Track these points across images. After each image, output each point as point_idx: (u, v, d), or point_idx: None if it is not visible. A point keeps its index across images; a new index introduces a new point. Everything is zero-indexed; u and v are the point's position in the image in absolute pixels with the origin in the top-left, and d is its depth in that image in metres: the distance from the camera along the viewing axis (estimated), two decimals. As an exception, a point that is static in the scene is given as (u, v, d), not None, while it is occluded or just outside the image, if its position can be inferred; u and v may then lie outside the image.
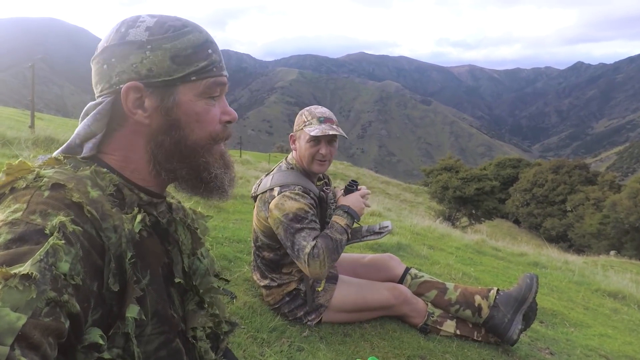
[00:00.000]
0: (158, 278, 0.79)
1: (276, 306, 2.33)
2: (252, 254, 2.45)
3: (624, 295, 5.20)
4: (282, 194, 2.17)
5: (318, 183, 2.43)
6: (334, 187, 2.49)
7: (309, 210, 2.14)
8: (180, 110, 0.81)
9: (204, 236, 0.98)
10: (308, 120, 2.25)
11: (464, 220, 27.66)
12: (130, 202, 0.80)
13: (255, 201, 2.39)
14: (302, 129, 2.26)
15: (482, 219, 28.60)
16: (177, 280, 0.84)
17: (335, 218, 2.17)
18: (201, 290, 0.90)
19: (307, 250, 2.02)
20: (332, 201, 2.34)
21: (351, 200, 2.23)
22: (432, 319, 2.43)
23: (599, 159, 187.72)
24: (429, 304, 2.49)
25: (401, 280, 2.59)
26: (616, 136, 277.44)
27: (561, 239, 34.32)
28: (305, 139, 2.23)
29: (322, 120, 2.24)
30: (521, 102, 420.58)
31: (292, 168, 2.32)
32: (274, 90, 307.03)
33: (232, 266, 2.82)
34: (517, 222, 41.00)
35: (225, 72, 0.87)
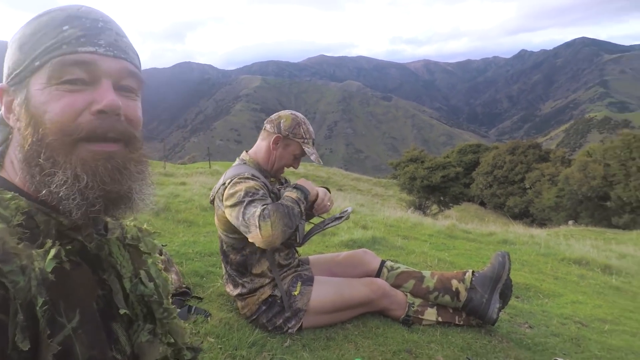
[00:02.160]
0: (92, 316, 0.63)
1: (253, 317, 2.20)
2: (222, 263, 2.33)
3: (587, 261, 5.30)
4: (232, 181, 2.09)
5: (272, 180, 2.34)
6: None
7: (260, 189, 2.06)
8: (31, 104, 0.64)
9: (153, 253, 0.83)
10: (306, 139, 2.23)
11: (434, 208, 28.01)
12: (47, 231, 0.63)
13: (212, 202, 2.29)
14: (297, 141, 2.22)
15: (451, 204, 29.03)
16: (121, 311, 0.69)
17: (285, 193, 2.11)
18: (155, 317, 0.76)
19: (257, 213, 1.90)
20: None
21: (299, 181, 2.21)
22: (412, 309, 2.35)
23: (549, 138, 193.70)
24: (408, 294, 2.41)
25: (378, 274, 2.50)
26: (562, 115, 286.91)
27: (524, 215, 35.23)
28: (294, 152, 2.24)
29: (314, 142, 2.29)
30: (475, 91, 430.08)
31: (245, 164, 2.26)
32: (239, 99, 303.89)
33: (204, 282, 2.67)
34: (482, 203, 41.85)
35: (88, 48, 0.65)
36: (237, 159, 2.33)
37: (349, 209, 2.38)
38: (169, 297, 0.83)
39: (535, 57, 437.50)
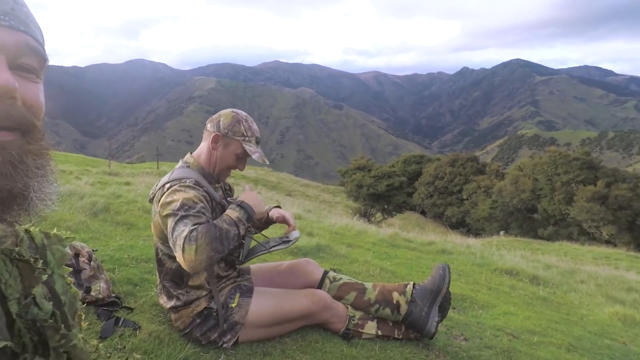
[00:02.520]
0: None
1: (186, 331, 2.02)
2: (156, 272, 2.14)
3: (517, 272, 5.49)
4: (171, 188, 1.91)
5: (216, 186, 2.19)
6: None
7: (199, 202, 1.88)
8: None
9: (60, 264, 0.67)
10: (247, 137, 2.05)
11: (378, 216, 28.50)
12: None
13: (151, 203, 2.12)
14: (237, 139, 2.03)
15: (394, 212, 29.65)
16: (1, 344, 0.54)
17: (227, 211, 1.93)
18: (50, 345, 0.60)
19: (185, 233, 1.73)
20: None
21: (246, 195, 2.01)
22: (353, 322, 2.27)
23: (485, 152, 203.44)
24: (349, 307, 2.33)
25: (320, 285, 2.40)
26: (497, 131, 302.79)
27: (460, 225, 36.71)
28: (235, 152, 2.05)
29: (258, 141, 2.10)
30: (420, 104, 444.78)
31: (188, 167, 2.08)
32: (192, 100, 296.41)
33: (137, 291, 2.46)
34: (423, 212, 43.19)
35: None
36: (181, 161, 2.14)
37: (297, 234, 2.26)
38: (79, 316, 0.68)
39: (476, 75, 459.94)
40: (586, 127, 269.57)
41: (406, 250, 6.21)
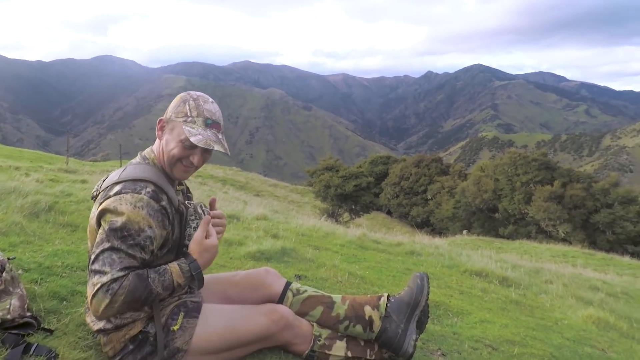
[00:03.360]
0: None
1: (117, 359, 1.64)
2: (88, 282, 1.71)
3: (486, 273, 5.30)
4: (123, 194, 1.52)
5: (178, 188, 1.79)
6: (200, 204, 1.82)
7: (146, 228, 1.51)
8: None
9: None
10: (191, 117, 1.64)
11: (346, 216, 28.35)
12: None
13: None
14: (180, 121, 1.63)
15: (361, 213, 29.58)
16: None
17: (174, 267, 1.58)
18: None
19: (105, 279, 1.43)
20: (193, 218, 1.73)
21: (206, 256, 1.64)
22: (319, 343, 1.92)
23: (448, 153, 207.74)
24: (315, 324, 1.98)
25: (281, 299, 2.04)
26: (460, 133, 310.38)
27: (425, 225, 37.10)
28: (179, 137, 1.62)
29: (210, 123, 1.65)
30: (387, 107, 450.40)
31: (147, 163, 1.67)
32: (161, 98, 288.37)
33: (64, 307, 2.03)
34: (389, 212, 43.47)
35: None
36: (138, 155, 1.74)
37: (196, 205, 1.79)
38: None
39: (440, 79, 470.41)
40: (541, 130, 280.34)
41: (375, 252, 5.94)
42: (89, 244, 1.63)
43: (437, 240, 10.35)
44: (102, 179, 1.73)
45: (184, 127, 1.62)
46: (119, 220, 1.48)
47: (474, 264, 5.79)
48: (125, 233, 1.48)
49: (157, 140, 1.72)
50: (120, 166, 1.82)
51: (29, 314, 1.82)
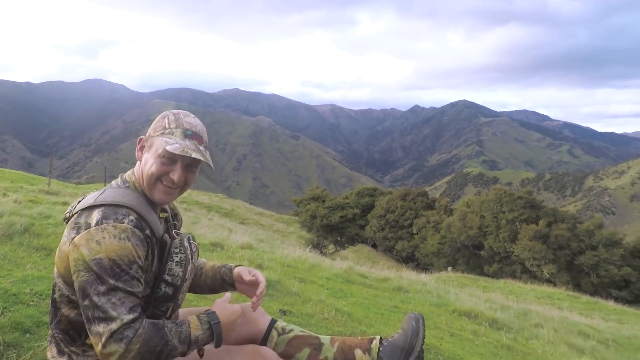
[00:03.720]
0: None
1: None
2: (49, 314, 1.54)
3: (476, 314, 5.20)
4: (103, 224, 1.37)
5: (161, 215, 1.63)
6: (189, 235, 1.67)
7: (136, 260, 1.38)
8: None
9: None
10: (169, 129, 1.52)
11: (331, 247, 28.02)
12: None
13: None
14: (157, 135, 1.52)
15: (347, 245, 29.29)
16: None
17: (192, 318, 1.45)
18: None
19: (115, 326, 1.28)
20: (177, 251, 1.57)
21: (224, 312, 1.51)
22: (305, 390, 1.79)
23: (434, 187, 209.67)
24: (301, 369, 1.84)
25: (266, 338, 1.90)
26: (445, 168, 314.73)
27: (410, 260, 36.86)
28: (157, 151, 1.49)
29: (190, 134, 1.52)
30: (374, 139, 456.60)
31: (128, 187, 1.53)
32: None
33: (26, 340, 1.86)
34: (374, 245, 43.18)
35: None
36: (119, 177, 1.60)
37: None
38: None
39: (427, 113, 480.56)
40: (525, 168, 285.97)
41: (361, 286, 5.81)
42: (56, 270, 1.47)
43: (424, 277, 10.23)
44: (78, 199, 1.58)
45: (161, 139, 1.50)
46: (105, 258, 1.34)
47: (463, 303, 5.69)
48: (117, 269, 1.34)
49: (138, 162, 1.60)
50: (103, 189, 1.68)
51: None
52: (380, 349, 1.91)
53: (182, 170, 1.51)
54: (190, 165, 1.53)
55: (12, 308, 2.14)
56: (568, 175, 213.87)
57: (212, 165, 1.56)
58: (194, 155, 1.47)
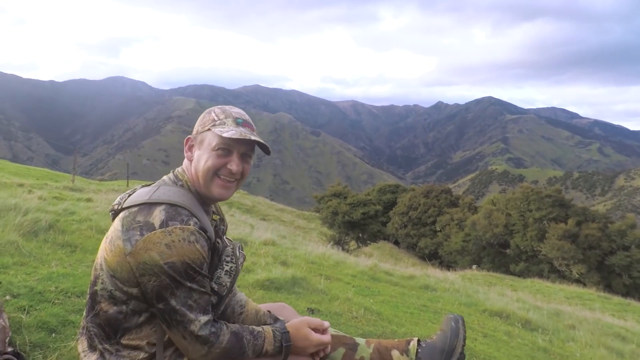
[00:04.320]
0: None
1: None
2: (86, 306, 1.49)
3: (507, 314, 5.05)
4: (171, 227, 1.33)
5: (214, 218, 1.58)
6: (239, 244, 1.64)
7: (206, 260, 1.38)
8: None
9: None
10: (220, 119, 1.48)
11: (353, 244, 27.94)
12: None
13: (113, 219, 1.48)
14: (208, 129, 1.48)
15: (368, 241, 29.17)
16: None
17: (268, 331, 1.50)
18: None
19: (194, 329, 1.34)
20: (229, 260, 1.52)
21: (298, 338, 1.53)
22: (341, 392, 1.71)
23: (457, 185, 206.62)
24: (336, 370, 1.77)
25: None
26: (469, 165, 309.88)
27: (433, 257, 36.40)
28: (211, 145, 1.46)
29: (241, 122, 1.50)
30: (396, 135, 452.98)
31: (182, 186, 1.49)
32: (170, 119, 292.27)
33: (52, 340, 1.82)
34: (396, 243, 42.82)
35: None
36: (171, 174, 1.55)
37: None
38: None
39: (450, 110, 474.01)
40: (553, 166, 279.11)
41: (387, 284, 5.71)
42: (102, 263, 1.41)
43: (450, 275, 10.04)
44: (127, 192, 1.54)
45: (213, 129, 1.47)
46: (177, 262, 1.32)
47: (493, 303, 5.54)
48: (191, 272, 1.33)
49: (186, 161, 1.56)
50: (127, 185, 1.65)
51: (10, 349, 1.61)
52: (419, 350, 1.82)
53: (239, 160, 1.48)
54: (245, 155, 1.51)
55: (37, 307, 2.12)
56: (598, 174, 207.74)
57: (269, 148, 1.53)
58: (253, 137, 1.45)
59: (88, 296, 1.48)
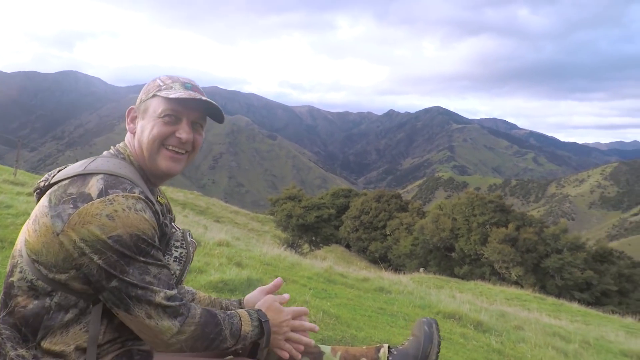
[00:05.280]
0: None
1: None
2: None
3: (460, 316, 5.03)
4: (112, 195, 1.08)
5: (160, 200, 1.33)
6: (188, 231, 1.38)
7: (155, 232, 1.14)
8: None
9: None
10: (166, 84, 1.26)
11: (306, 247, 27.76)
12: None
13: (39, 199, 1.20)
14: (153, 96, 1.25)
15: (321, 245, 29.09)
16: None
17: (242, 312, 1.27)
18: None
19: (160, 300, 1.09)
20: (179, 245, 1.28)
21: (271, 310, 1.34)
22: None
23: (406, 190, 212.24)
24: (298, 383, 1.56)
25: (256, 348, 1.60)
26: (417, 172, 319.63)
27: (383, 260, 36.91)
28: (156, 112, 1.23)
29: (190, 87, 1.27)
30: (349, 141, 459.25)
31: (123, 158, 1.25)
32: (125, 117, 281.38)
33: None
34: (348, 246, 43.10)
35: None
36: (111, 148, 1.32)
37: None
38: None
39: (401, 118, 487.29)
40: (493, 174, 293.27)
41: (343, 287, 5.56)
42: (21, 248, 1.13)
43: (402, 277, 10.08)
44: (56, 169, 1.26)
45: (159, 94, 1.24)
46: (124, 234, 1.06)
47: (446, 305, 5.52)
48: (142, 245, 1.08)
49: (129, 135, 1.32)
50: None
51: None
52: (390, 358, 1.64)
53: (189, 127, 1.26)
54: (195, 123, 1.29)
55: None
56: (532, 182, 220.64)
57: (223, 114, 1.32)
58: (203, 98, 1.24)
59: (2, 292, 1.17)
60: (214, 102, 1.26)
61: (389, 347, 1.65)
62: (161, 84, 1.27)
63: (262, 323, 1.28)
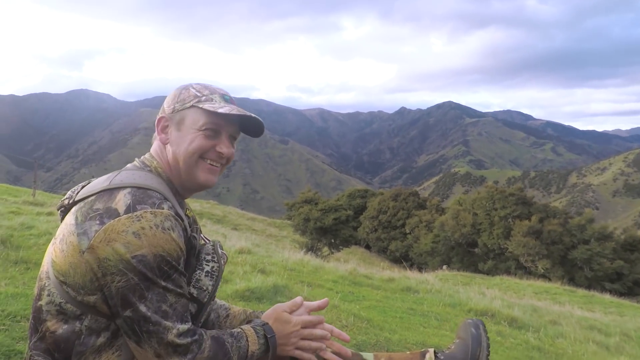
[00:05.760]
0: None
1: None
2: (29, 329, 1.16)
3: (492, 313, 4.90)
4: (140, 211, 1.05)
5: (187, 213, 1.31)
6: (218, 242, 1.35)
7: (182, 255, 1.10)
8: None
9: None
10: (204, 95, 1.23)
11: (325, 250, 27.70)
12: None
13: (63, 217, 1.19)
14: (190, 106, 1.21)
15: (341, 247, 29.00)
16: None
17: (248, 330, 1.21)
18: None
19: (171, 338, 1.04)
20: (210, 259, 1.24)
21: (278, 323, 1.27)
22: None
23: (422, 188, 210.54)
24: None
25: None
26: (433, 168, 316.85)
27: (404, 259, 36.58)
28: (196, 124, 1.20)
29: (228, 99, 1.27)
30: (362, 141, 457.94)
31: (150, 171, 1.21)
32: (137, 131, 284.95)
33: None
34: (367, 247, 42.87)
35: None
36: (135, 160, 1.29)
37: None
38: None
39: (413, 115, 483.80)
40: (511, 167, 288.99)
41: (369, 288, 5.48)
42: (49, 270, 1.10)
43: (427, 276, 9.93)
44: (80, 185, 1.24)
45: (200, 106, 1.19)
46: (148, 254, 1.02)
47: (477, 302, 5.40)
48: (166, 267, 1.04)
49: (157, 144, 1.28)
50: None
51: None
52: (436, 364, 1.57)
53: (229, 142, 1.25)
54: (232, 137, 1.28)
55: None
56: (552, 172, 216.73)
57: (264, 125, 1.32)
58: (253, 115, 1.25)
59: (31, 316, 1.15)
60: (261, 120, 1.26)
61: (434, 352, 1.58)
62: (198, 94, 1.23)
63: (267, 340, 1.22)
